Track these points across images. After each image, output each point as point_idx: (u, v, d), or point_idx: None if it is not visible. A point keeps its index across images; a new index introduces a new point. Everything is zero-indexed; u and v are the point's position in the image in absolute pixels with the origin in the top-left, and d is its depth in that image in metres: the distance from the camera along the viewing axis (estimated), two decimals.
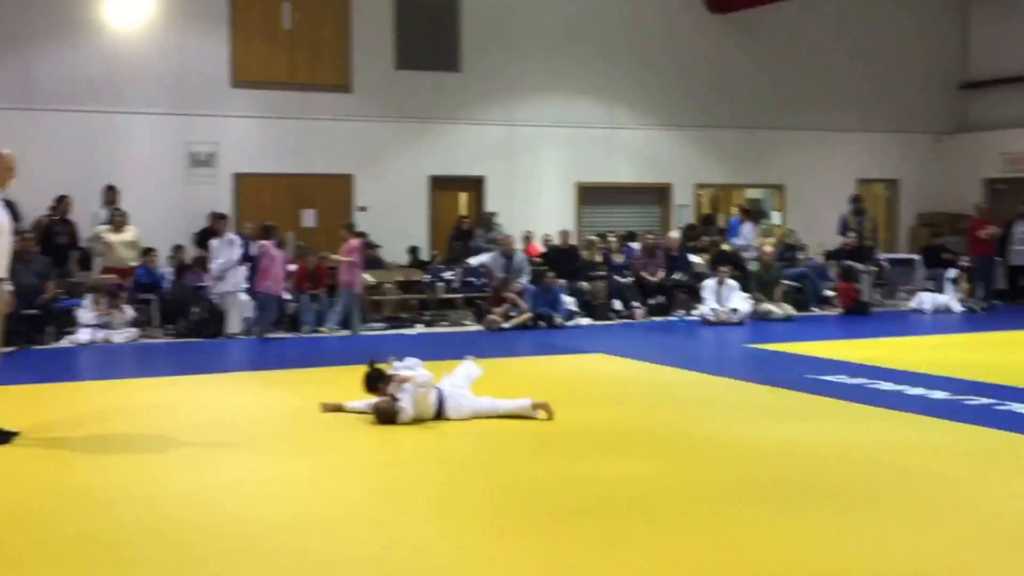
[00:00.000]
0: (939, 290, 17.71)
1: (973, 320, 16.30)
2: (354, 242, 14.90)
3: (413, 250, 17.66)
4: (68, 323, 13.83)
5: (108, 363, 12.22)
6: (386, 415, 7.94)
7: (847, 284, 17.31)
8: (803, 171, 21.52)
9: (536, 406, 8.19)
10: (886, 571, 4.76)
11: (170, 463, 6.91)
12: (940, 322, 16.24)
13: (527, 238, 17.86)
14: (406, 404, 7.92)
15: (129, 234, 15.13)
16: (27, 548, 5.04)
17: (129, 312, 14.12)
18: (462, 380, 8.44)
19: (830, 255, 18.78)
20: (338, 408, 8.47)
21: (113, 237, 15.00)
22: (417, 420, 7.94)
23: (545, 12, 19.33)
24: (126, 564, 4.85)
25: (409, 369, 8.17)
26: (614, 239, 17.93)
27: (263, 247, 14.29)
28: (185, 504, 5.87)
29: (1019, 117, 21.93)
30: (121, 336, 13.72)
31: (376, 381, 8.19)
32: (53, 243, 14.83)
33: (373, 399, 8.20)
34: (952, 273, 17.71)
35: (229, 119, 17.33)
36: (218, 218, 15.34)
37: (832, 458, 6.87)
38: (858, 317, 16.76)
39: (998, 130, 22.19)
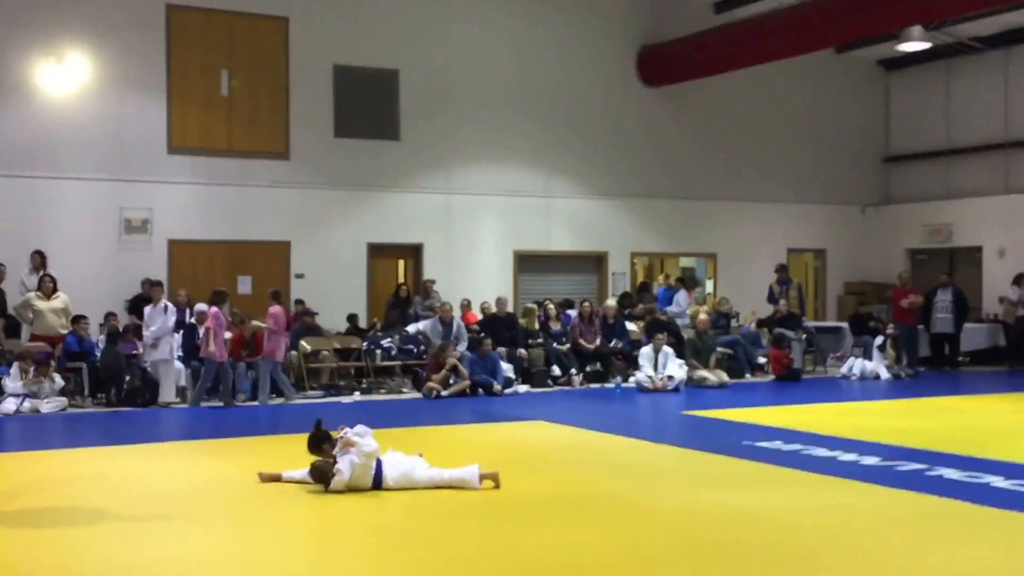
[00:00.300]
0: (867, 357, 18.05)
1: (900, 386, 16.62)
2: (274, 309, 14.75)
3: (351, 317, 17.61)
4: None
5: (36, 433, 11.95)
6: (321, 475, 7.89)
7: (779, 351, 17.58)
8: (735, 240, 21.96)
9: (484, 476, 8.11)
10: None
11: (102, 536, 6.77)
12: (868, 388, 16.53)
13: (465, 306, 17.91)
14: (344, 468, 7.87)
15: (59, 301, 14.86)
16: None
17: (58, 381, 13.83)
18: (414, 466, 8.29)
19: (761, 323, 19.10)
20: (276, 478, 8.39)
21: (42, 304, 14.73)
22: (352, 488, 7.88)
23: (483, 82, 19.61)
24: None
25: (358, 436, 8.13)
26: (552, 306, 18.04)
27: (213, 313, 14.19)
28: None
29: (938, 190, 22.68)
30: (49, 406, 13.43)
31: (321, 442, 8.15)
32: None
33: (310, 468, 8.14)
34: (879, 340, 18.07)
35: (165, 185, 17.26)
36: (152, 285, 15.17)
37: (768, 524, 6.95)
38: (790, 384, 17.00)
39: (920, 202, 22.93)
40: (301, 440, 8.38)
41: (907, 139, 23.60)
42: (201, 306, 15.51)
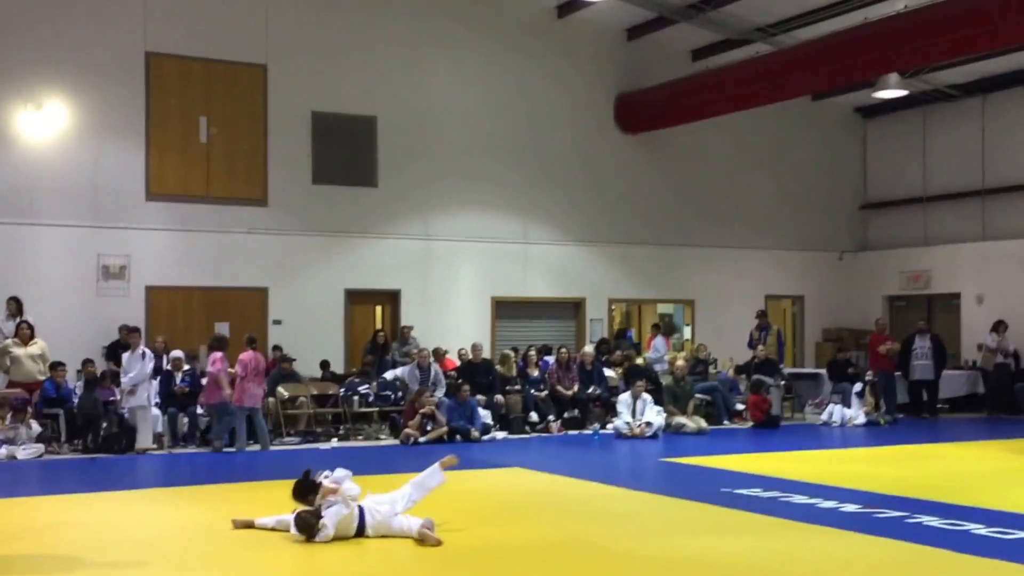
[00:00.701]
0: (846, 404, 18.08)
1: (879, 433, 16.63)
2: (245, 355, 14.62)
3: (324, 364, 17.47)
4: None
5: (12, 480, 11.78)
6: (307, 527, 7.80)
7: (757, 397, 17.59)
8: (712, 286, 22.05)
9: (422, 532, 7.80)
10: None
11: None
12: (848, 435, 16.55)
13: (441, 353, 17.83)
14: (329, 524, 7.77)
15: (36, 347, 14.72)
16: None
17: (35, 427, 13.70)
18: (394, 500, 8.21)
19: (740, 369, 19.12)
20: (249, 525, 8.31)
21: (19, 351, 14.58)
22: (337, 538, 7.81)
23: (461, 129, 19.72)
24: None
25: (337, 483, 8.06)
26: (533, 353, 17.96)
27: (219, 358, 14.29)
28: None
29: (916, 237, 22.86)
30: (26, 452, 13.27)
31: (308, 492, 8.06)
32: None
33: (284, 515, 8.07)
34: (857, 387, 18.11)
35: (143, 232, 17.23)
36: (130, 331, 15.07)
37: (748, 571, 6.92)
38: (768, 430, 16.98)
39: (897, 248, 23.10)
40: (278, 487, 8.32)
41: (884, 186, 23.82)
42: (177, 352, 15.44)
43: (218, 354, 14.40)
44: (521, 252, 20.30)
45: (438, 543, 7.67)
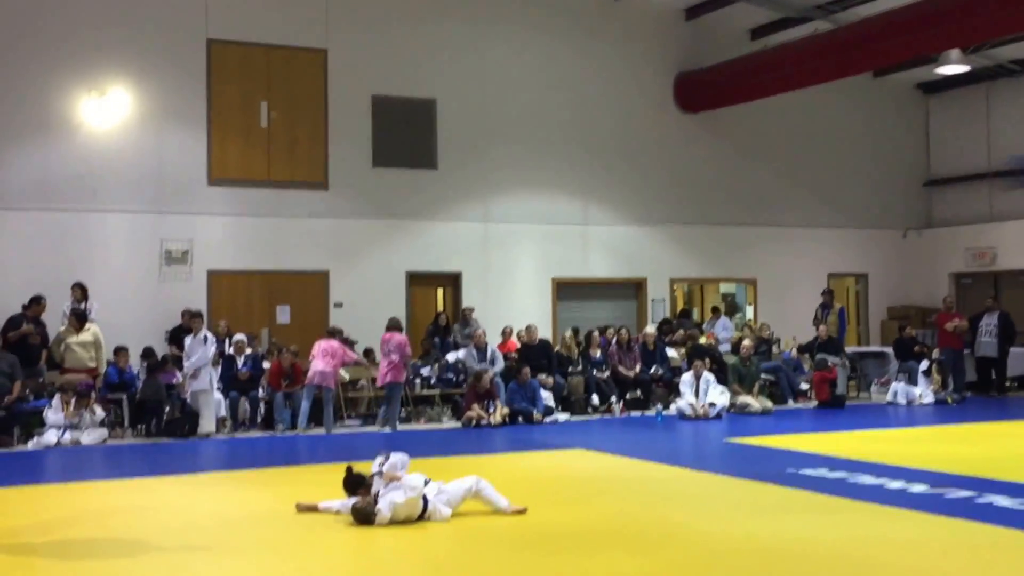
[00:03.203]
0: (912, 382, 17.79)
1: (946, 412, 16.34)
2: (399, 338, 15.12)
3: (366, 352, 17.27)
4: (35, 424, 13.52)
5: (76, 465, 11.94)
6: (364, 517, 7.80)
7: (822, 377, 17.34)
8: (774, 265, 21.77)
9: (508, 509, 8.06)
10: None
11: (141, 568, 6.74)
12: (914, 414, 16.27)
13: (508, 333, 17.79)
14: (384, 510, 7.76)
15: (87, 334, 14.74)
16: None
17: (99, 412, 13.83)
18: (455, 493, 8.16)
19: (802, 348, 18.87)
20: (313, 508, 8.34)
21: (71, 338, 14.67)
22: (394, 522, 7.79)
23: (519, 110, 19.64)
24: None
25: (394, 468, 8.05)
26: (596, 333, 17.83)
27: (337, 346, 14.90)
28: None
29: (981, 213, 22.39)
30: (90, 437, 13.40)
31: (356, 485, 8.05)
32: (24, 342, 14.49)
33: (348, 500, 8.07)
34: (924, 365, 17.81)
35: (204, 217, 17.38)
36: (192, 316, 15.19)
37: (814, 553, 6.80)
38: (834, 410, 16.76)
39: (962, 225, 22.64)
40: (342, 470, 8.30)
41: (948, 162, 23.36)
42: (240, 336, 15.56)
43: (399, 336, 14.86)
44: (581, 233, 20.19)
45: (523, 510, 7.96)
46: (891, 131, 23.26)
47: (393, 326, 15.32)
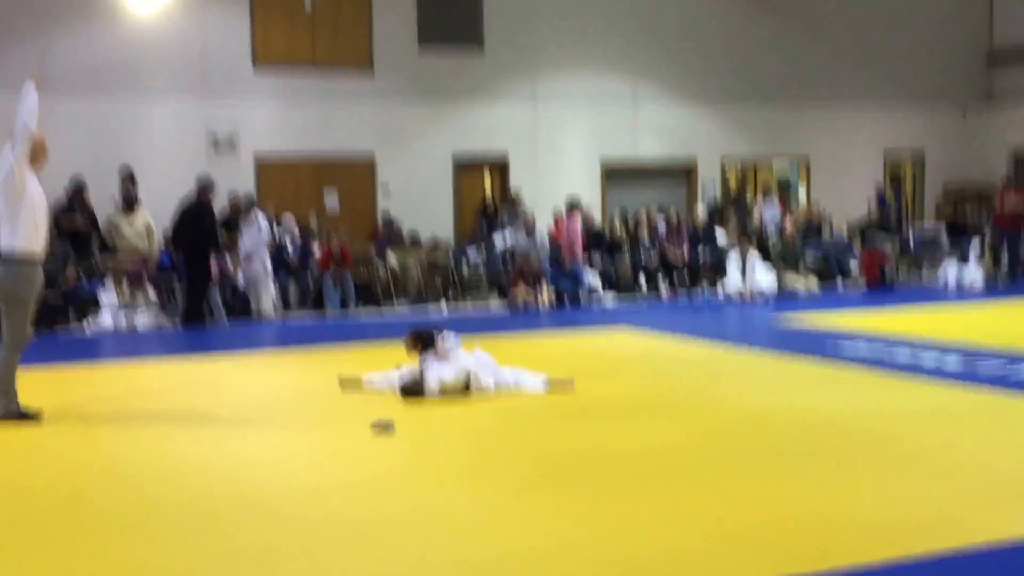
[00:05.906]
0: (964, 262, 17.54)
1: (995, 292, 16.16)
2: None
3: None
4: (89, 308, 13.71)
5: (130, 345, 12.23)
6: (413, 393, 7.98)
7: (871, 257, 17.16)
8: (828, 143, 21.37)
9: (555, 384, 8.20)
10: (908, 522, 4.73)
11: (194, 438, 6.94)
12: (963, 294, 16.12)
13: (556, 220, 17.72)
14: (432, 384, 7.94)
15: (139, 219, 14.90)
16: (56, 525, 5.07)
17: (152, 295, 14.07)
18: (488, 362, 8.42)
19: (853, 229, 18.64)
20: (355, 381, 8.51)
21: (122, 221, 14.84)
22: (442, 393, 7.98)
23: None
24: (153, 536, 4.87)
25: (450, 349, 8.22)
26: (645, 215, 17.71)
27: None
28: (208, 476, 5.90)
29: None
30: (144, 319, 13.65)
31: (422, 341, 8.24)
32: (72, 229, 14.67)
33: (390, 372, 8.29)
34: (976, 245, 17.53)
35: (250, 102, 17.35)
36: (242, 200, 15.31)
37: (849, 423, 6.83)
38: (882, 290, 16.64)
39: None
40: (391, 349, 8.42)
41: (1011, 33, 22.54)
42: (289, 219, 15.63)
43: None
44: (631, 112, 19.90)
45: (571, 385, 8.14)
46: (951, 0, 22.47)
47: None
